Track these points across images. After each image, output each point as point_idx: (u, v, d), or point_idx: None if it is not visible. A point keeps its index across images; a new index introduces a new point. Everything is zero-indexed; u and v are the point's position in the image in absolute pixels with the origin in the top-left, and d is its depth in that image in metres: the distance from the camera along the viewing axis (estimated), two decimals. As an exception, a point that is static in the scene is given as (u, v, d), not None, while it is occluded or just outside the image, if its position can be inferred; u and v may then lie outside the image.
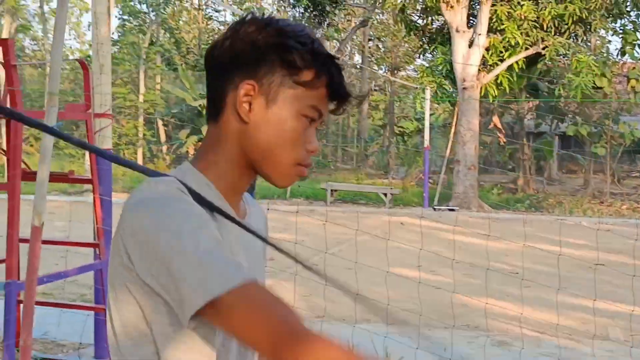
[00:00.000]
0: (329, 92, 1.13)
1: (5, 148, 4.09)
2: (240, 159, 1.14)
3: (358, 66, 32.36)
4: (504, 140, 21.35)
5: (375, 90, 36.85)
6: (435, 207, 15.61)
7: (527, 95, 21.07)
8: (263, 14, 1.16)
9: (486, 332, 5.47)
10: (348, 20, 30.41)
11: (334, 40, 28.63)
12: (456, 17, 15.84)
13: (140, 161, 26.04)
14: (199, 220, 1.01)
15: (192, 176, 1.12)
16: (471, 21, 17.13)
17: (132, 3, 31.16)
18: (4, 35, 24.57)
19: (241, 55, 1.11)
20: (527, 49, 16.27)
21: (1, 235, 4.06)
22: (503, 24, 15.99)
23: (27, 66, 34.41)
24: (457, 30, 15.79)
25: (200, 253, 0.96)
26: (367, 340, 4.75)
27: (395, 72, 33.95)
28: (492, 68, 16.43)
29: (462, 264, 8.41)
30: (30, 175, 3.93)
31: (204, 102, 24.60)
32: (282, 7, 28.93)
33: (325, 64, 1.12)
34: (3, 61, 3.79)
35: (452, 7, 15.76)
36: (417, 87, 20.76)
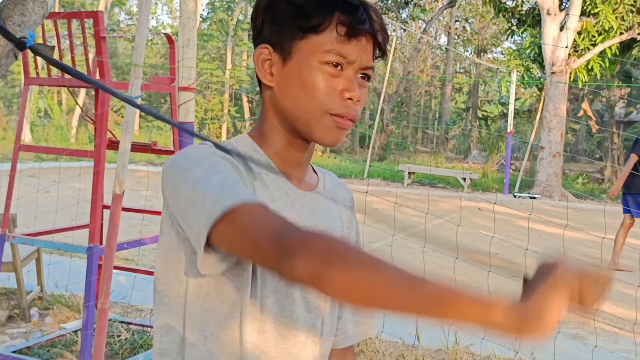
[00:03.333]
0: (345, 31, 1.06)
1: (93, 117, 4.25)
2: (280, 126, 1.13)
3: (443, 47, 31.83)
4: (596, 127, 20.61)
5: (460, 72, 36.16)
6: (515, 194, 15.27)
7: (619, 82, 20.23)
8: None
9: (560, 324, 5.34)
10: (435, 1, 29.89)
11: (420, 21, 28.23)
12: (548, -1, 15.31)
13: (224, 136, 26.59)
14: (222, 164, 1.02)
15: (244, 141, 1.15)
16: (563, 3, 16.52)
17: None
18: (100, 9, 25.44)
19: (258, 26, 1.11)
20: (621, 34, 15.57)
21: (88, 201, 4.25)
22: (597, 7, 15.35)
23: (122, 40, 35.55)
24: (549, 13, 15.25)
25: (215, 185, 0.96)
26: (435, 326, 4.72)
27: (482, 54, 33.20)
28: (583, 53, 15.82)
29: (540, 253, 8.19)
30: (115, 144, 4.07)
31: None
32: (369, -14, 28.66)
33: (331, 3, 1.07)
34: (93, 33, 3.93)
35: (544, -12, 15.24)
36: (503, 71, 20.28)
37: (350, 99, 1.07)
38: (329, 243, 0.84)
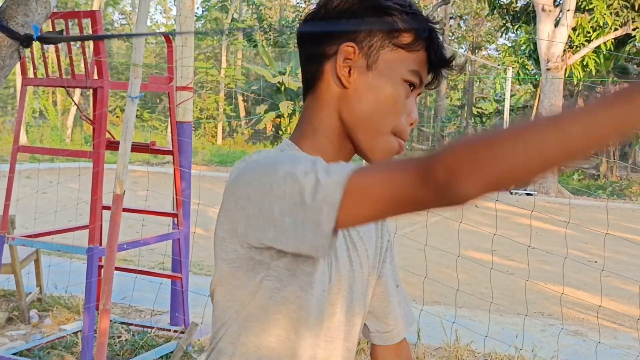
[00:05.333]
0: (428, 57, 1.08)
1: (92, 117, 4.24)
2: (337, 129, 1.09)
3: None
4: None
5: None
6: (512, 190, 15.28)
7: (614, 78, 20.25)
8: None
9: (561, 320, 5.34)
10: (430, -2, 29.85)
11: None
12: (543, -5, 15.32)
13: (219, 135, 26.54)
14: (297, 155, 0.99)
15: (289, 149, 1.10)
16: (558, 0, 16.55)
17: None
18: (95, 9, 25.34)
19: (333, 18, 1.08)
20: (616, 29, 15.59)
21: (86, 202, 4.23)
22: (592, 3, 15.36)
23: (116, 39, 35.43)
24: (544, 9, 15.26)
25: (312, 171, 0.88)
26: (437, 323, 4.72)
27: (476, 51, 33.22)
28: (578, 49, 15.84)
29: (538, 250, 8.23)
30: (114, 145, 4.06)
31: (282, 78, 24.54)
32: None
33: (424, 27, 1.08)
34: (91, 32, 3.92)
35: (538, -16, 15.25)
36: (498, 67, 20.30)
37: (412, 124, 1.09)
38: (467, 145, 0.76)
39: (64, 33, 3.65)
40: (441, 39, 1.11)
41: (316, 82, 1.10)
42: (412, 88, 1.09)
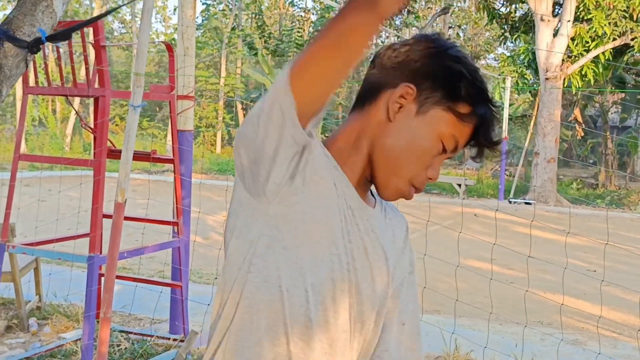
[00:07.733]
0: (473, 133, 1.14)
1: (92, 126, 4.25)
2: (365, 152, 1.15)
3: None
4: (582, 133, 20.69)
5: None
6: (511, 200, 15.28)
7: (613, 88, 20.30)
8: (449, 37, 1.16)
9: (560, 330, 5.34)
10: (429, 8, 29.99)
11: (413, 28, 28.29)
12: (541, 5, 15.36)
13: (218, 144, 26.56)
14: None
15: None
16: (557, 9, 16.60)
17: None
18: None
19: (413, 64, 1.13)
20: (614, 39, 15.64)
21: (86, 210, 4.24)
22: (590, 13, 15.41)
23: (115, 48, 35.52)
24: (542, 19, 15.31)
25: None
26: (436, 332, 4.72)
27: (475, 61, 33.29)
28: (576, 58, 15.88)
29: (538, 259, 8.22)
30: (115, 153, 4.07)
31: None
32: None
33: (483, 106, 1.13)
34: (93, 42, 3.93)
35: (537, -5, 15.30)
36: (497, 77, 20.35)
37: (430, 178, 1.15)
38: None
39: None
40: (495, 121, 1.16)
41: (368, 102, 1.15)
42: (443, 149, 1.13)
